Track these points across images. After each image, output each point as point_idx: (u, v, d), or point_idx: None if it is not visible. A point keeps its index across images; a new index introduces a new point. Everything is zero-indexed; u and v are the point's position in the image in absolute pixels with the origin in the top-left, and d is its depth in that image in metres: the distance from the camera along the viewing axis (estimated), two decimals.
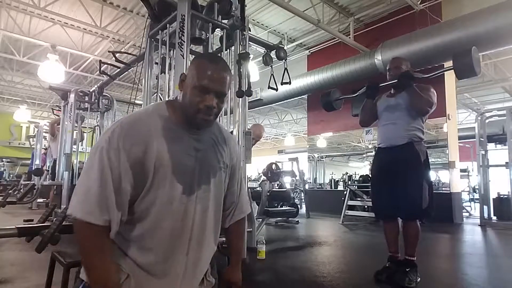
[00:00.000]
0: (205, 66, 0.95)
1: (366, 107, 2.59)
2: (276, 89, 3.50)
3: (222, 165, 1.06)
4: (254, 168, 12.17)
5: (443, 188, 6.41)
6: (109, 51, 5.11)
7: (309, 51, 8.22)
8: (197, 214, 0.97)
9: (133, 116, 0.95)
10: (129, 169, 0.87)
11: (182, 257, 0.95)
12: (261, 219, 4.30)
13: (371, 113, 2.57)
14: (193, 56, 1.13)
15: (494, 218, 5.66)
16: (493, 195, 5.85)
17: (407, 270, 2.25)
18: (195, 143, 0.98)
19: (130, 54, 4.21)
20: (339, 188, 8.25)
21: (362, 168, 8.76)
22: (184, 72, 0.99)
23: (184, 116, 0.97)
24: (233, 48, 3.07)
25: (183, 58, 2.52)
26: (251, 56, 3.65)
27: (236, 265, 1.15)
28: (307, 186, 8.36)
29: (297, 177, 8.61)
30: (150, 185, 0.90)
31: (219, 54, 3.06)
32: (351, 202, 6.03)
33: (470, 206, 8.51)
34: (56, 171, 5.16)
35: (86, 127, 5.86)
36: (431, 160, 2.42)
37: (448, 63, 5.82)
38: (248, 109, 3.23)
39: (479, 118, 5.97)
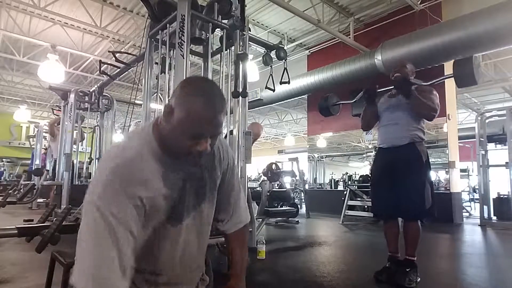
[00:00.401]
0: (198, 109, 0.80)
1: (367, 113, 2.59)
2: (273, 90, 3.50)
3: (213, 185, 1.01)
4: (254, 168, 12.18)
5: (441, 188, 6.42)
6: (109, 51, 5.12)
7: (309, 51, 8.22)
8: (186, 241, 0.95)
9: (124, 158, 0.83)
10: (135, 222, 0.81)
11: (174, 276, 0.95)
12: (261, 219, 4.30)
13: (372, 117, 2.57)
14: (184, 79, 0.91)
15: (494, 218, 5.66)
16: (493, 195, 5.85)
17: (407, 270, 2.25)
18: (183, 174, 0.92)
19: (130, 54, 4.21)
20: (339, 188, 8.25)
21: (362, 168, 8.77)
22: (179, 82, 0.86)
23: (171, 151, 0.88)
24: (233, 48, 3.07)
25: (183, 58, 2.52)
26: (251, 56, 3.65)
27: (238, 277, 1.05)
28: (307, 186, 8.36)
29: (297, 177, 8.62)
30: (144, 224, 0.85)
31: (219, 54, 3.06)
32: (351, 202, 6.03)
33: (470, 206, 8.52)
34: (56, 171, 5.17)
35: (86, 127, 5.87)
36: (431, 160, 2.43)
37: (448, 64, 5.85)
38: (248, 109, 3.22)
39: (479, 118, 5.98)
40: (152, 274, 0.92)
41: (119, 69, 4.64)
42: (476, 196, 7.75)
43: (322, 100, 2.89)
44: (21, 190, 5.82)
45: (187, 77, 0.92)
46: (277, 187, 6.79)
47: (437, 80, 2.35)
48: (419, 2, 5.83)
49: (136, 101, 4.10)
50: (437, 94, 2.34)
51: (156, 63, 3.10)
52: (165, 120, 0.85)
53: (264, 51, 3.67)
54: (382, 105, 2.52)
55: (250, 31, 3.26)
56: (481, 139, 5.82)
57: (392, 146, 2.39)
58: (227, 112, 3.05)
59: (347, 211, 5.95)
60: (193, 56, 3.85)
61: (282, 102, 8.61)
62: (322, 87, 6.84)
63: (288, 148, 15.58)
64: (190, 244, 0.97)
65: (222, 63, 2.99)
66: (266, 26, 7.31)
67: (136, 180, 0.81)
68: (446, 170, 6.20)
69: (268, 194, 4.99)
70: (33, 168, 7.42)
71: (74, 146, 5.16)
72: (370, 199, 5.22)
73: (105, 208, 0.76)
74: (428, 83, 2.33)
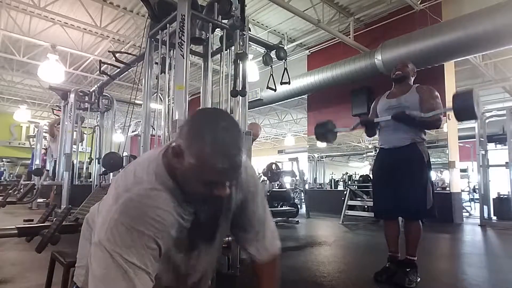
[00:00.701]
0: (210, 157, 0.71)
1: (368, 131, 2.62)
2: (275, 90, 3.50)
3: (228, 213, 0.95)
4: (254, 168, 12.17)
5: (438, 188, 6.42)
6: (109, 51, 5.11)
7: (309, 51, 8.22)
8: (196, 265, 0.93)
9: (134, 194, 0.76)
10: (151, 264, 0.76)
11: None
12: None
13: (373, 131, 2.60)
14: (195, 114, 0.75)
15: (494, 218, 5.66)
16: (493, 195, 5.85)
17: (407, 270, 2.25)
18: (196, 206, 0.87)
19: (130, 54, 4.21)
20: (339, 188, 8.25)
21: (362, 168, 8.76)
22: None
23: (185, 190, 0.81)
24: (233, 48, 3.07)
25: (183, 58, 2.52)
26: (251, 56, 3.65)
27: None
28: (307, 186, 8.36)
29: (297, 177, 8.62)
30: (158, 260, 0.82)
31: (219, 54, 3.06)
32: (351, 202, 6.03)
33: (470, 206, 8.51)
34: (56, 171, 5.17)
35: (86, 127, 5.87)
36: (431, 160, 2.42)
37: (448, 64, 5.86)
38: (248, 109, 3.22)
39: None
40: None
41: (119, 69, 4.64)
42: (476, 196, 7.75)
43: (320, 126, 2.80)
44: (21, 190, 5.81)
45: (195, 113, 0.81)
46: (277, 187, 6.80)
47: (436, 112, 2.25)
48: (419, 2, 5.83)
49: (136, 101, 4.10)
50: (438, 95, 2.34)
51: (156, 63, 3.10)
52: (176, 161, 0.77)
53: (264, 51, 3.67)
54: (382, 106, 2.52)
55: (250, 31, 3.26)
56: (481, 139, 5.82)
57: (393, 147, 2.39)
58: (227, 111, 3.05)
59: (347, 211, 5.95)
60: (193, 56, 3.85)
61: (282, 102, 8.62)
62: (322, 87, 6.85)
63: (288, 148, 15.58)
64: (200, 266, 0.95)
65: (222, 63, 2.99)
66: (266, 26, 7.31)
67: (150, 219, 0.75)
68: (441, 170, 6.20)
69: (268, 194, 4.99)
70: (33, 168, 7.42)
71: (74, 146, 5.16)
72: (370, 199, 5.23)
73: (119, 255, 0.70)
74: (428, 115, 2.25)
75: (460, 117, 2.11)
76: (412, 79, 2.49)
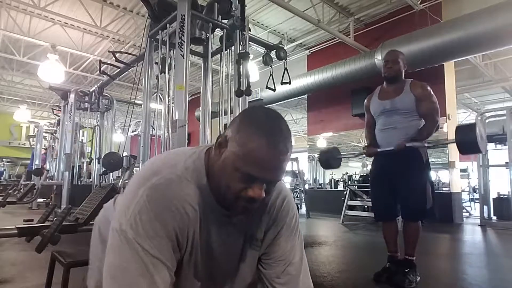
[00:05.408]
0: (256, 147, 0.67)
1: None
2: (274, 90, 3.50)
3: (255, 243, 0.85)
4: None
5: (443, 188, 6.42)
6: (109, 51, 5.12)
7: (309, 51, 8.21)
8: None
9: (163, 177, 0.72)
10: (171, 259, 0.71)
11: None
12: None
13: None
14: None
15: (494, 218, 5.66)
16: (493, 195, 5.85)
17: (406, 270, 2.24)
18: (226, 226, 0.79)
19: (130, 54, 4.22)
20: (339, 188, 8.26)
21: (362, 168, 8.77)
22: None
23: (217, 194, 0.74)
24: (233, 48, 3.07)
25: (183, 58, 2.53)
26: (251, 56, 3.65)
27: None
28: (307, 186, 8.36)
29: (297, 177, 8.62)
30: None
31: (219, 54, 3.06)
32: (351, 202, 6.04)
33: (470, 206, 8.51)
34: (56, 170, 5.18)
35: (86, 127, 5.88)
36: (431, 160, 2.42)
37: (448, 64, 5.85)
38: None
39: (479, 118, 5.97)
40: None
41: (119, 69, 4.65)
42: (476, 196, 7.75)
43: (324, 152, 2.77)
44: (21, 190, 5.82)
45: (249, 108, 0.79)
46: None
47: (438, 145, 2.28)
48: (419, 2, 5.83)
49: (136, 101, 4.10)
50: (433, 94, 2.30)
51: (156, 63, 3.11)
52: (216, 153, 0.74)
53: (264, 51, 3.67)
54: (376, 108, 2.46)
55: (250, 31, 3.27)
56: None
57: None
58: (228, 112, 3.05)
59: (347, 211, 5.95)
60: (193, 56, 3.85)
61: (282, 102, 8.61)
62: (322, 87, 6.84)
63: None
64: None
65: (222, 63, 2.99)
66: (266, 26, 7.31)
67: (175, 210, 0.70)
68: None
69: None
70: (33, 168, 7.43)
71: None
72: (370, 200, 5.22)
73: (141, 247, 0.66)
74: (429, 145, 2.25)
75: (463, 151, 2.11)
76: (404, 71, 2.39)
